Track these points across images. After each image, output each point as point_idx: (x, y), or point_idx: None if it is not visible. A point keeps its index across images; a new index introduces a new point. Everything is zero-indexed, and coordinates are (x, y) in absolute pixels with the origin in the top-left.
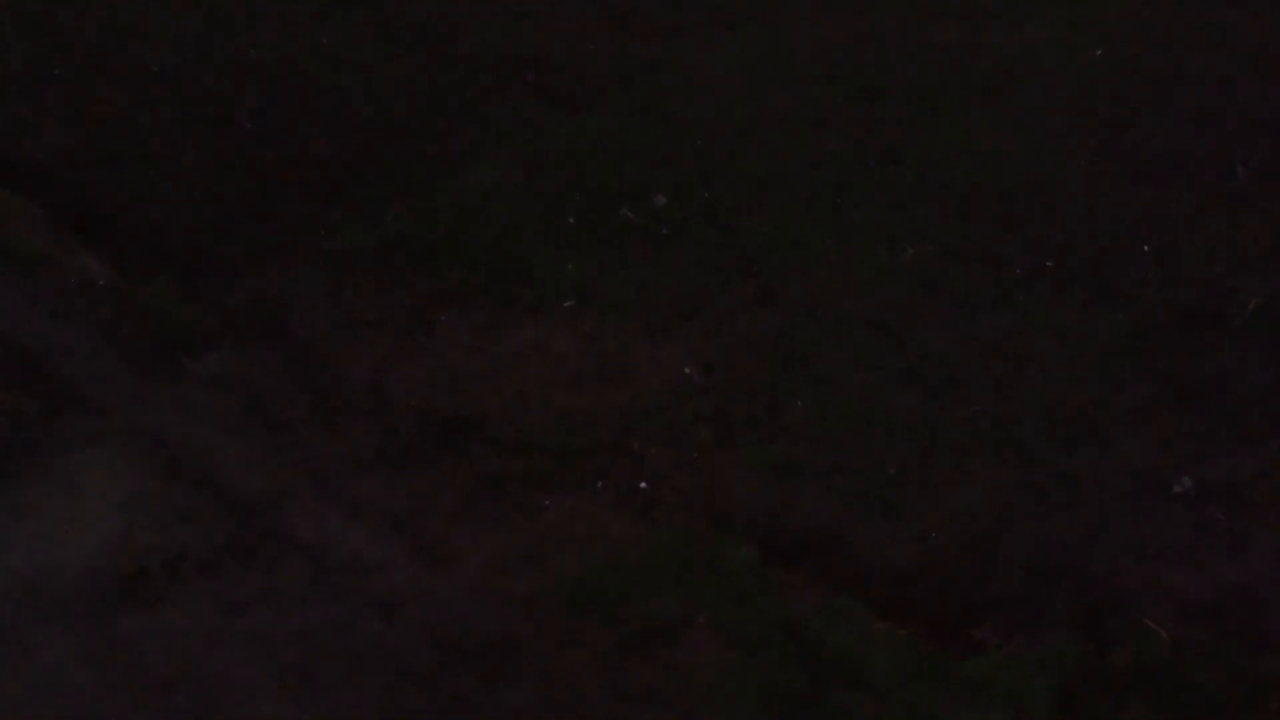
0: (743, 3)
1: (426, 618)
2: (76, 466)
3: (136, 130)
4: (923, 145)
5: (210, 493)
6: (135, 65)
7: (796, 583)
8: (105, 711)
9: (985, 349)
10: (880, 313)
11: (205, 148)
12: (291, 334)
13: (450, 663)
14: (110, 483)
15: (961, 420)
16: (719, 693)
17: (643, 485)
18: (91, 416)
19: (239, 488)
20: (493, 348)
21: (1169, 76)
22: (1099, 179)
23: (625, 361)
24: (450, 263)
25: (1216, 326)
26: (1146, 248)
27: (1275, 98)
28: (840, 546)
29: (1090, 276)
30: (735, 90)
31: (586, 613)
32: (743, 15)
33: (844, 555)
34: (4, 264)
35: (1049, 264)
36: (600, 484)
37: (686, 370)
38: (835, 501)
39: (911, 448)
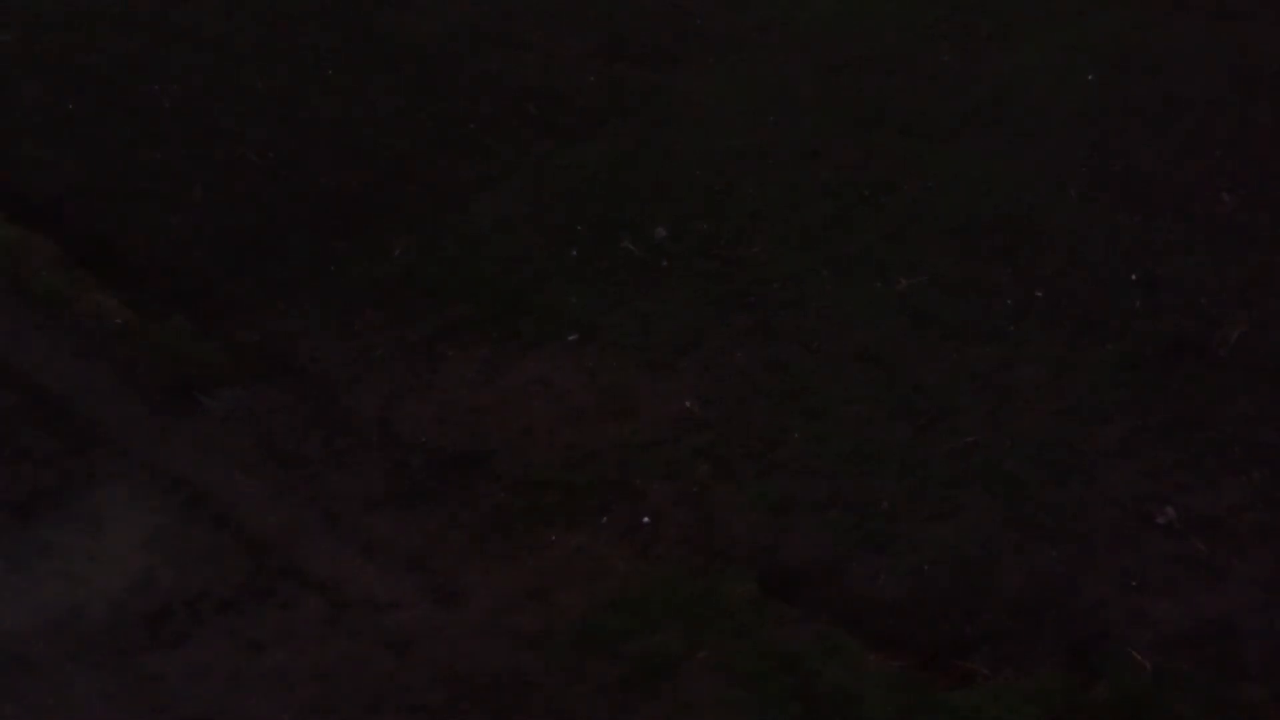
0: (740, 28)
1: (438, 655)
2: (99, 505)
3: (147, 165)
4: (917, 174)
5: (228, 531)
6: (146, 100)
7: (793, 617)
8: None
9: (975, 381)
10: (873, 345)
11: (215, 183)
12: (302, 370)
13: (461, 699)
14: (132, 521)
15: (952, 453)
16: None
17: (645, 521)
18: (113, 455)
19: (255, 526)
20: (498, 382)
21: (1159, 100)
22: (1088, 206)
23: (627, 396)
24: (456, 297)
25: (1201, 356)
26: (1134, 277)
27: (1261, 122)
28: (835, 580)
29: (1079, 307)
30: (733, 119)
31: (592, 649)
32: (740, 41)
33: (839, 589)
34: (23, 302)
35: (1039, 294)
36: (604, 519)
37: (686, 404)
38: (830, 536)
39: (904, 481)
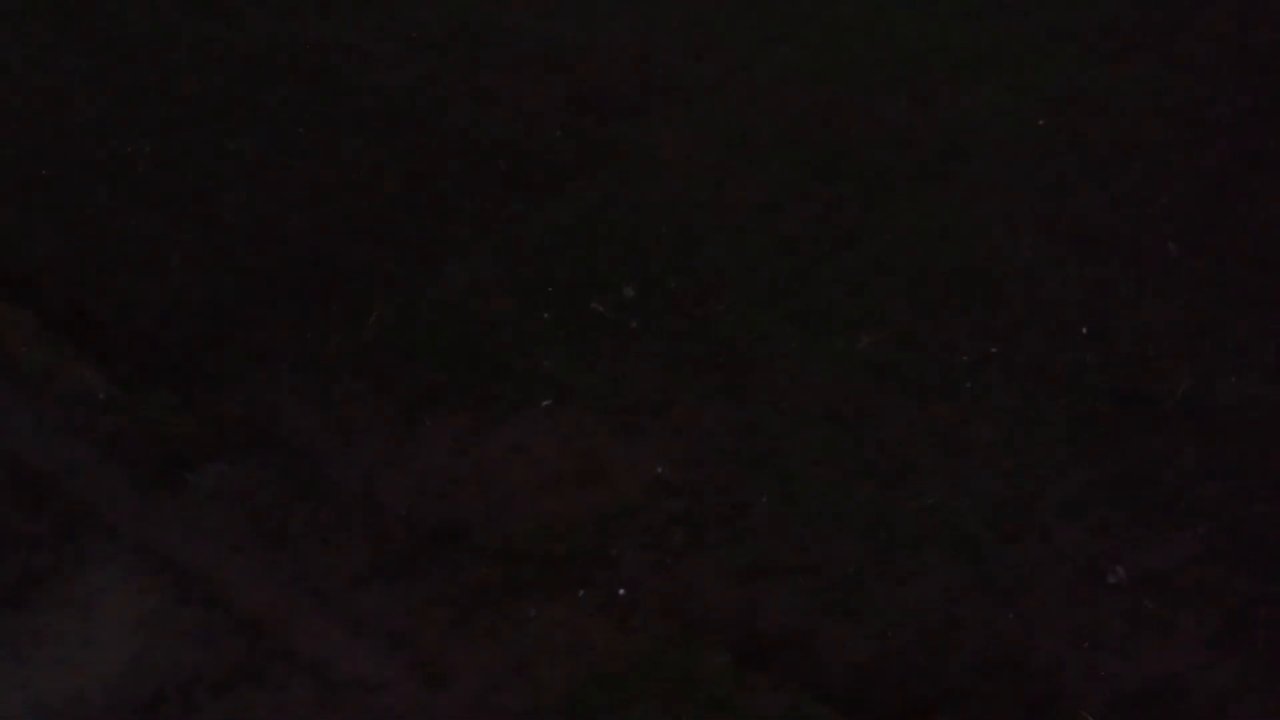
0: (702, 79)
1: None
2: (90, 589)
3: (124, 232)
4: (876, 226)
5: (219, 612)
6: (120, 163)
7: (766, 685)
8: None
9: (935, 439)
10: (837, 404)
11: (192, 249)
12: (285, 444)
13: None
14: (123, 605)
15: (914, 513)
16: None
17: (621, 592)
18: (102, 536)
19: (245, 605)
20: (475, 451)
21: (1108, 146)
22: (1040, 257)
23: (600, 462)
24: (432, 364)
25: (1149, 410)
26: (1085, 330)
27: (1207, 168)
28: (805, 647)
29: (1033, 361)
30: (697, 172)
31: None
32: (702, 92)
33: (809, 656)
34: (6, 378)
35: (994, 350)
36: (582, 592)
37: (659, 470)
38: (800, 602)
39: (868, 544)
